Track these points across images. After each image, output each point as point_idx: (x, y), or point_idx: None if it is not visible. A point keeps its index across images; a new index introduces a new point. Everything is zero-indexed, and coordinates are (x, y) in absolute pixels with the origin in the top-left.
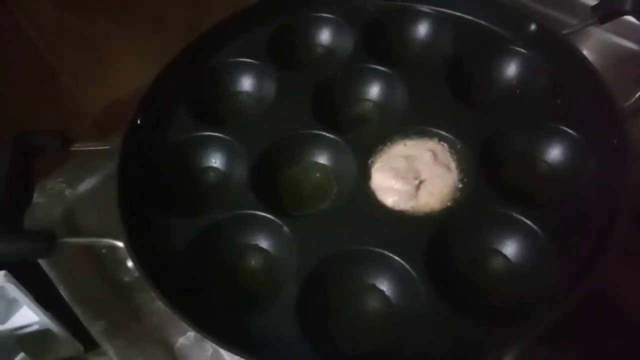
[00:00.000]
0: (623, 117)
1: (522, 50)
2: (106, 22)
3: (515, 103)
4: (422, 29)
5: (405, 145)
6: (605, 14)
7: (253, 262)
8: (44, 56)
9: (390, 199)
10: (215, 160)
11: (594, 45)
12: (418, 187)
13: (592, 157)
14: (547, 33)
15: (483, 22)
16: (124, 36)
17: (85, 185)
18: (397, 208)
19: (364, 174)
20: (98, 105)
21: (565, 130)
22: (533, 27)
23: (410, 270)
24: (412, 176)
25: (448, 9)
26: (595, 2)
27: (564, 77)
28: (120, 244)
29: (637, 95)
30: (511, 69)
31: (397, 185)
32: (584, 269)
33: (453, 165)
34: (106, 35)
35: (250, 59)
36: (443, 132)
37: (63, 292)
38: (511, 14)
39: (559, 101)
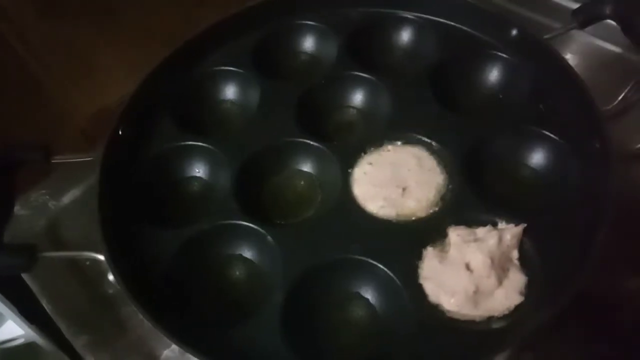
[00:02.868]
0: (604, 121)
1: (505, 56)
2: (92, 32)
3: (499, 108)
4: (406, 36)
5: (390, 151)
6: (586, 19)
7: (237, 273)
8: (29, 67)
9: (375, 207)
10: (199, 170)
11: (576, 48)
12: (403, 194)
13: (575, 161)
14: (529, 38)
15: (465, 28)
16: (110, 46)
17: (69, 197)
18: (382, 215)
19: (349, 182)
20: (85, 115)
21: (548, 135)
22: (515, 32)
23: (395, 278)
24: (397, 183)
25: (431, 16)
26: (576, 7)
27: (546, 82)
28: (102, 257)
29: (619, 98)
30: (494, 74)
31: (382, 192)
32: (569, 272)
33: (438, 171)
34: (92, 45)
35: (234, 67)
36: (427, 139)
37: (46, 305)
38: (493, 19)
39: (541, 106)
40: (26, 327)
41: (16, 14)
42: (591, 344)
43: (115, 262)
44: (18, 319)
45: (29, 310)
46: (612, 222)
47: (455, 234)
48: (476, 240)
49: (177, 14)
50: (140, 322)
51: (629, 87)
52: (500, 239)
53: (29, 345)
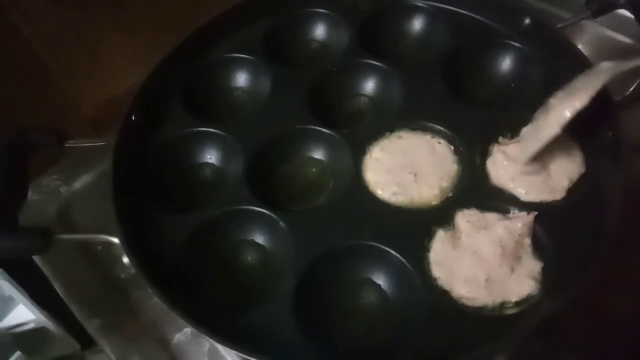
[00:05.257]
0: (617, 111)
1: (517, 45)
2: (101, 20)
3: (510, 97)
4: (417, 24)
5: (402, 139)
6: (599, 8)
7: (249, 258)
8: (39, 54)
9: (387, 193)
10: (211, 156)
11: (588, 39)
12: (415, 180)
13: (587, 150)
14: (542, 27)
15: (478, 17)
16: (119, 34)
17: (80, 182)
18: (393, 202)
19: (360, 169)
20: (93, 103)
21: None
22: (527, 21)
23: (406, 264)
24: (409, 170)
25: (443, 4)
26: None
27: (558, 71)
28: (116, 240)
29: (631, 89)
30: (506, 63)
31: (394, 179)
32: (580, 263)
33: (450, 158)
34: (101, 33)
35: (246, 54)
36: (439, 127)
37: (59, 289)
38: (506, 8)
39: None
40: (37, 312)
41: (27, 1)
42: (601, 336)
43: (129, 243)
44: (29, 304)
45: (40, 295)
46: (624, 213)
47: (465, 220)
48: (487, 227)
49: (186, 3)
50: (152, 306)
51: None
52: (511, 228)
53: (40, 330)
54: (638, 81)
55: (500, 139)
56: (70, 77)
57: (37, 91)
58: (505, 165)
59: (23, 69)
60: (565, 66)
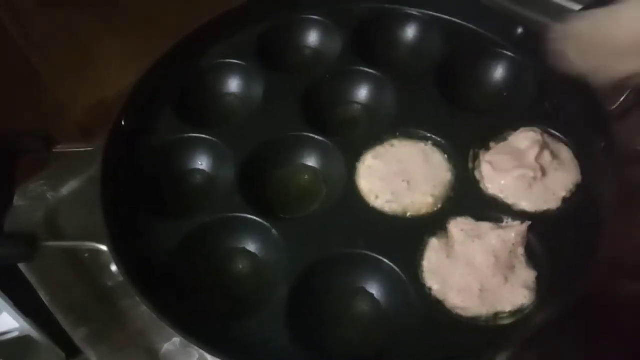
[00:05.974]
0: (610, 120)
1: (510, 54)
2: (93, 22)
3: (503, 105)
4: (411, 32)
5: (395, 147)
6: None
7: (241, 266)
8: (27, 56)
9: (380, 201)
10: (202, 163)
11: None
12: (409, 188)
13: (580, 159)
14: (534, 36)
15: (471, 26)
16: (111, 37)
17: (67, 188)
18: (386, 210)
19: (353, 176)
20: (82, 108)
21: (553, 133)
22: (520, 30)
23: (400, 273)
24: (402, 178)
25: (436, 12)
26: (580, 8)
27: (551, 80)
28: (104, 248)
29: (621, 99)
30: (499, 72)
31: (388, 186)
32: (575, 272)
33: (444, 166)
34: (93, 35)
35: (238, 60)
36: (432, 135)
37: (44, 297)
38: (499, 17)
39: (546, 104)
40: (21, 320)
41: (16, 1)
42: (598, 344)
43: (118, 251)
44: (13, 312)
45: (24, 303)
46: (618, 221)
47: (459, 229)
48: (480, 236)
49: (179, 6)
50: (140, 315)
51: (630, 89)
52: (505, 238)
53: (24, 339)
54: (627, 93)
55: (492, 144)
56: (61, 80)
57: (26, 94)
58: (493, 177)
59: (11, 71)
60: (558, 75)
